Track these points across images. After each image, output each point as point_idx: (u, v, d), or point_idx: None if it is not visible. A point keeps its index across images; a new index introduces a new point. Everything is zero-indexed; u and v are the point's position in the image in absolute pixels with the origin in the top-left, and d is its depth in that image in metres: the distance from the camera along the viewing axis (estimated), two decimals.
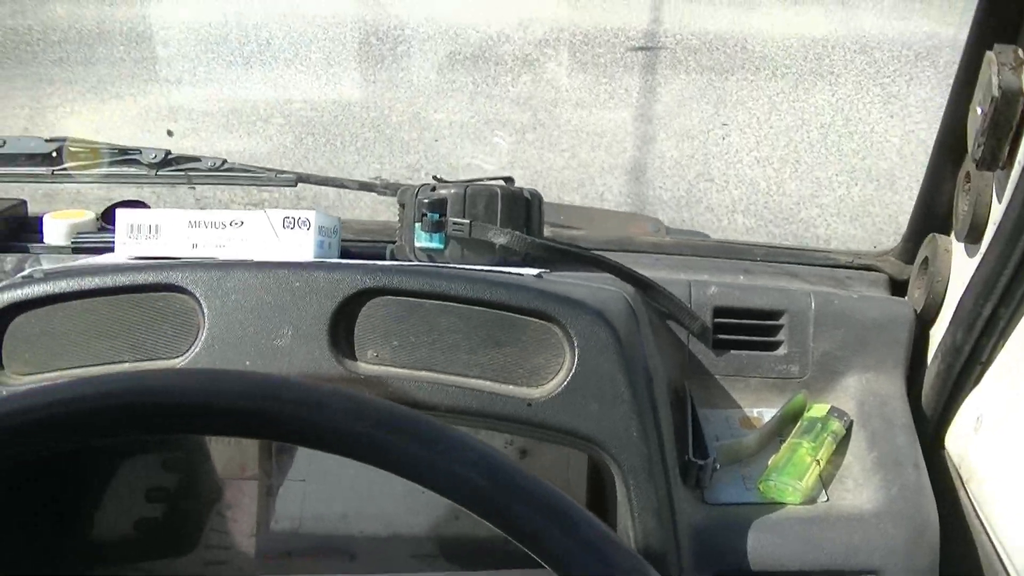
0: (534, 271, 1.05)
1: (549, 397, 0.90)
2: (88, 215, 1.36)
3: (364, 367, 0.91)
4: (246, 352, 0.91)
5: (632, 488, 0.91)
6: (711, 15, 4.55)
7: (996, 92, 0.96)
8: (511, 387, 0.91)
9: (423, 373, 0.91)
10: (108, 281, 0.94)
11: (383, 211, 1.24)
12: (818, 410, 1.14)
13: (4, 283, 0.95)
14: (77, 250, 1.26)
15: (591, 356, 0.90)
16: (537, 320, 0.92)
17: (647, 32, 4.39)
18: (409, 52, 4.14)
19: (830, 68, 4.07)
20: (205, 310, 0.92)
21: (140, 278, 0.94)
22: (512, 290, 0.92)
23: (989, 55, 0.99)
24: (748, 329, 1.16)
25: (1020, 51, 0.98)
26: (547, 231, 1.28)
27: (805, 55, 4.15)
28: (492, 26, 4.27)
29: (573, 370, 0.90)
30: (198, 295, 0.92)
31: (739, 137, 3.54)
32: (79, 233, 1.31)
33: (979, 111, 1.01)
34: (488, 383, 0.91)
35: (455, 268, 1.03)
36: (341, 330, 0.91)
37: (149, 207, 1.36)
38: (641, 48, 4.18)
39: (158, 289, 0.94)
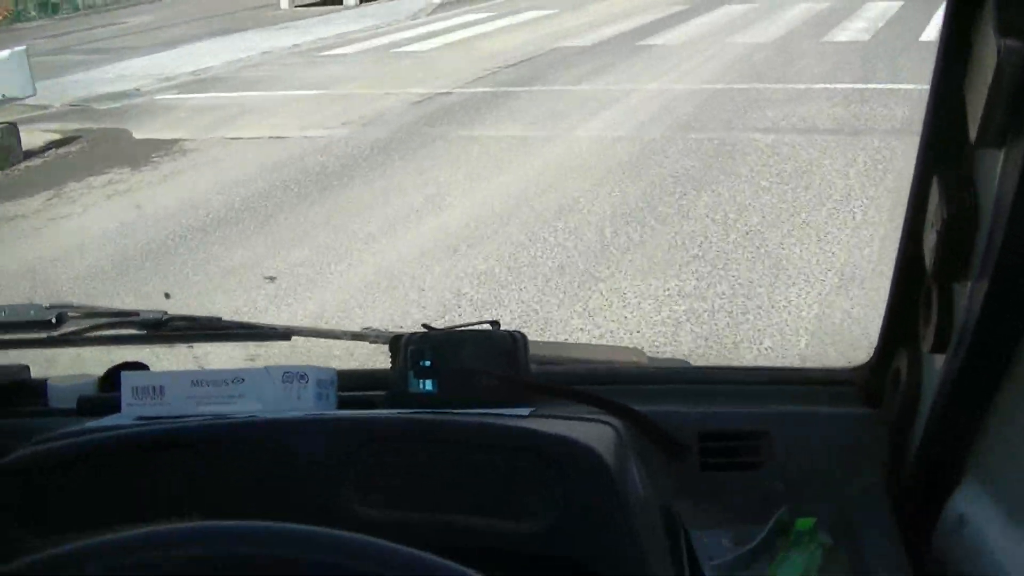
0: (524, 410, 1.10)
1: (542, 531, 0.94)
2: (90, 378, 1.41)
3: (363, 511, 0.95)
4: (251, 507, 0.95)
5: None
6: None
7: (945, 214, 1.03)
8: (506, 523, 0.95)
9: (419, 515, 0.95)
10: (117, 442, 0.99)
11: (381, 359, 1.29)
12: (804, 524, 1.18)
13: (22, 449, 0.99)
14: (83, 413, 1.31)
15: (582, 489, 0.94)
16: (528, 457, 0.96)
17: None
18: None
19: None
20: (209, 467, 0.96)
21: (147, 439, 0.99)
22: (500, 430, 0.97)
23: (936, 179, 1.06)
24: (732, 451, 1.21)
25: (963, 174, 1.04)
26: (533, 368, 1.33)
27: None
28: None
29: (565, 503, 0.94)
30: (202, 452, 0.97)
31: None
32: (82, 396, 1.36)
33: (933, 231, 1.07)
34: (482, 520, 0.95)
35: (446, 413, 1.08)
36: (340, 479, 0.96)
37: (148, 367, 1.41)
38: None
39: (164, 447, 0.99)
